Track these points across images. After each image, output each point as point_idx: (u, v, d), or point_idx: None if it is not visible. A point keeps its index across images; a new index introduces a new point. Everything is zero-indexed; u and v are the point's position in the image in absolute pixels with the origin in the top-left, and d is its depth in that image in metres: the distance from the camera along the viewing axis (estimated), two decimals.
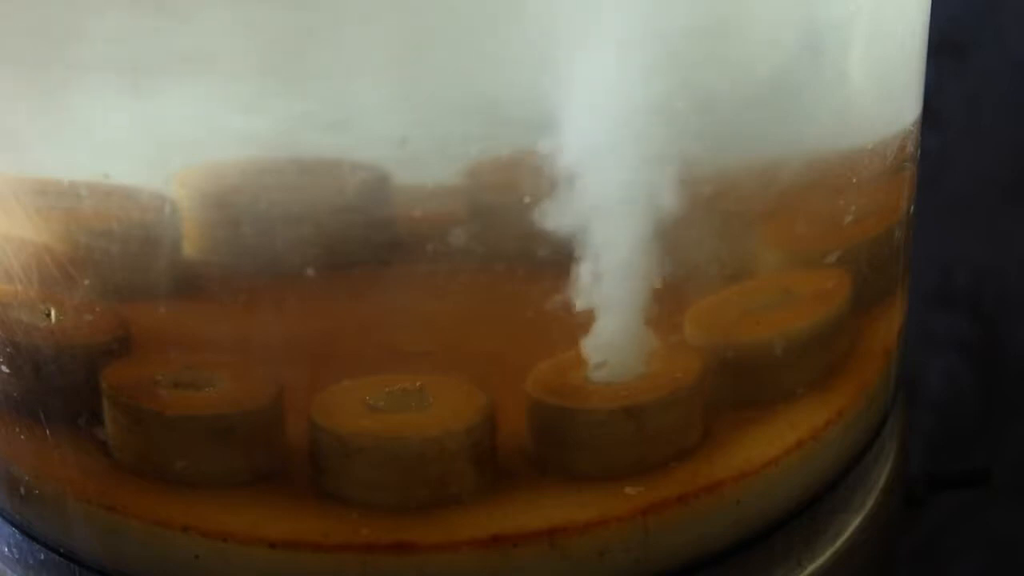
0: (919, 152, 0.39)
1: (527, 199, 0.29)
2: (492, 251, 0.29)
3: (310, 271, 0.29)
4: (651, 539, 0.31)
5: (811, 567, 0.35)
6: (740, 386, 0.33)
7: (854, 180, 0.34)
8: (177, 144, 0.29)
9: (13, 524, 0.34)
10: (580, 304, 0.30)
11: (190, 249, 0.31)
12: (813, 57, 0.32)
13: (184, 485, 0.31)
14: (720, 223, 0.31)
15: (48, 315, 0.31)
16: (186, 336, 0.31)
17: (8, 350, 0.32)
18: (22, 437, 0.33)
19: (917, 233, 0.40)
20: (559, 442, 0.31)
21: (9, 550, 0.34)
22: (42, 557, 0.34)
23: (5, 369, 0.32)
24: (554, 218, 0.29)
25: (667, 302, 0.30)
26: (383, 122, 0.28)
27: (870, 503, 0.37)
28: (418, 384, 0.31)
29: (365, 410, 0.30)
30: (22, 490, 0.34)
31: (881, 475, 0.38)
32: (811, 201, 0.34)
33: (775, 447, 0.33)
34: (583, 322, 0.30)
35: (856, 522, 0.37)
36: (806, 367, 0.34)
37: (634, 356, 0.31)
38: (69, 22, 0.28)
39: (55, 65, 0.29)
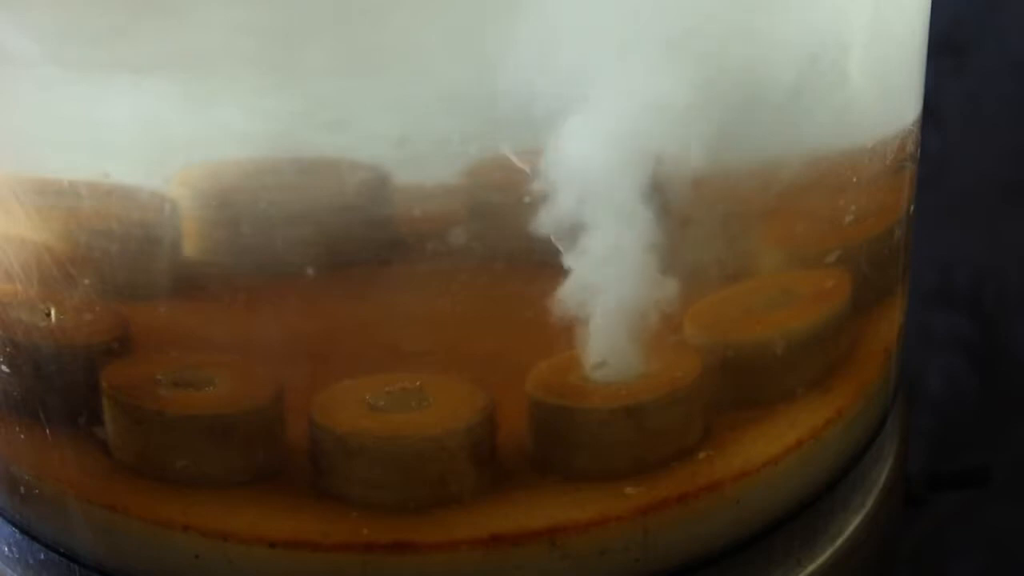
0: (919, 152, 0.39)
1: (527, 199, 0.29)
2: (492, 251, 0.29)
3: (310, 271, 0.29)
4: (651, 539, 0.31)
5: (811, 567, 0.35)
6: (740, 386, 0.33)
7: (854, 180, 0.34)
8: (177, 144, 0.29)
9: (13, 524, 0.34)
10: (580, 304, 0.30)
11: (190, 249, 0.31)
12: (813, 57, 0.32)
13: (184, 485, 0.31)
14: (720, 223, 0.31)
15: (48, 315, 0.31)
16: (186, 336, 0.31)
17: (8, 350, 0.32)
18: (22, 437, 0.33)
19: (917, 233, 0.40)
20: (559, 442, 0.31)
21: (9, 550, 0.34)
22: (42, 557, 0.34)
23: (5, 369, 0.32)
24: (554, 218, 0.29)
25: (667, 302, 0.30)
26: (382, 121, 0.28)
27: (870, 503, 0.37)
28: (418, 384, 0.31)
29: (365, 410, 0.30)
30: (22, 490, 0.34)
31: (881, 475, 0.38)
32: (811, 201, 0.34)
33: (775, 447, 0.33)
34: (583, 322, 0.30)
35: (856, 522, 0.37)
36: (806, 367, 0.34)
37: (634, 356, 0.31)
38: (69, 22, 0.28)
39: (55, 65, 0.29)
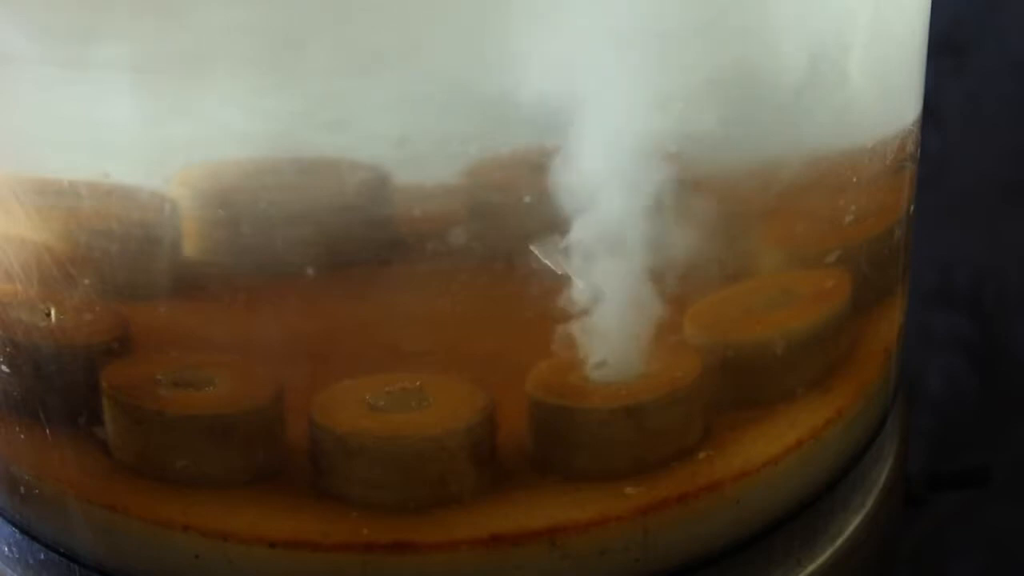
0: (919, 152, 0.39)
1: (527, 199, 0.29)
2: (492, 251, 0.29)
3: (310, 271, 0.29)
4: (651, 539, 0.31)
5: (811, 567, 0.35)
6: (740, 386, 0.33)
7: (854, 180, 0.34)
8: (177, 144, 0.29)
9: (13, 524, 0.34)
10: (580, 304, 0.30)
11: (190, 249, 0.31)
12: (813, 57, 0.32)
13: (184, 485, 0.31)
14: (720, 223, 0.31)
15: (48, 315, 0.31)
16: (186, 336, 0.31)
17: (8, 350, 0.32)
18: (22, 437, 0.33)
19: (917, 233, 0.40)
20: (559, 442, 0.31)
21: (9, 550, 0.34)
22: (42, 557, 0.34)
23: (5, 369, 0.32)
24: (554, 218, 0.29)
25: (667, 302, 0.30)
26: (382, 121, 0.28)
27: (870, 503, 0.37)
28: (418, 384, 0.31)
29: (365, 410, 0.30)
30: (22, 490, 0.34)
31: (881, 475, 0.38)
32: (811, 201, 0.34)
33: (775, 447, 0.33)
34: (583, 322, 0.30)
35: (856, 522, 0.37)
36: (806, 367, 0.34)
37: (634, 356, 0.31)
38: (69, 22, 0.28)
39: (55, 65, 0.29)
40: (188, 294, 0.31)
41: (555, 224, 0.29)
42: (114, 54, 0.28)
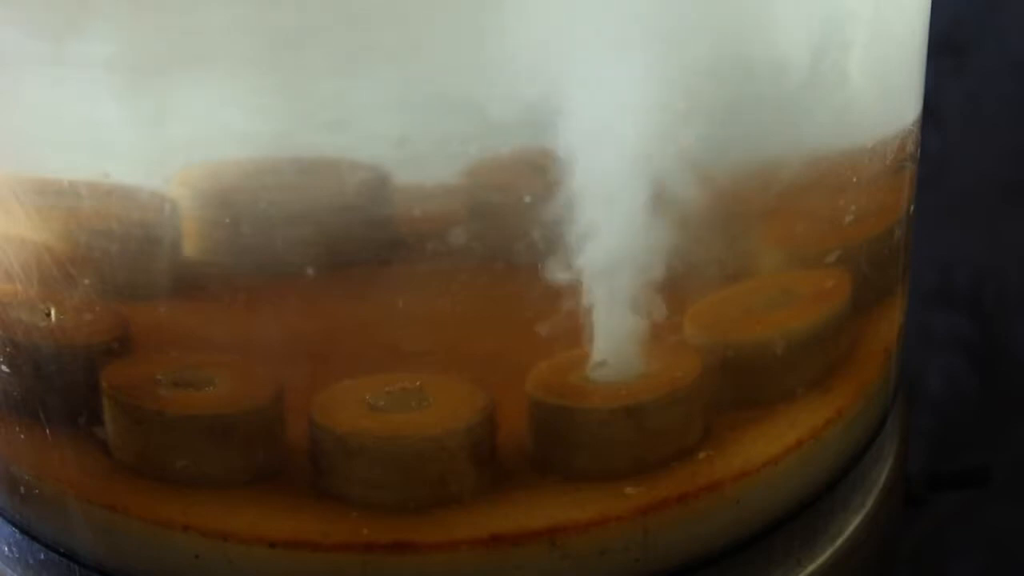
0: (919, 152, 0.39)
1: (527, 199, 0.29)
2: (492, 251, 0.29)
3: (310, 271, 0.29)
4: (651, 539, 0.31)
5: (811, 567, 0.35)
6: (740, 386, 0.33)
7: (854, 180, 0.34)
8: (177, 144, 0.29)
9: (13, 524, 0.34)
10: (580, 304, 0.30)
11: (190, 249, 0.31)
12: (814, 57, 0.32)
13: (184, 485, 0.31)
14: (720, 223, 0.31)
15: (48, 315, 0.31)
16: (186, 336, 0.31)
17: (8, 350, 0.32)
18: (22, 437, 0.33)
19: (917, 233, 0.40)
20: (559, 442, 0.31)
21: (9, 550, 0.34)
22: (42, 557, 0.34)
23: (5, 369, 0.32)
24: (554, 218, 0.29)
25: (667, 302, 0.30)
26: (382, 121, 0.28)
27: (870, 503, 0.37)
28: (418, 384, 0.31)
29: (365, 410, 0.30)
30: (22, 490, 0.34)
31: (881, 475, 0.38)
32: (811, 201, 0.34)
33: (775, 447, 0.33)
34: (583, 322, 0.30)
35: (856, 522, 0.37)
36: (806, 367, 0.34)
37: (634, 356, 0.31)
38: (69, 21, 0.28)
39: (55, 64, 0.29)
40: (188, 294, 0.31)
41: (555, 224, 0.29)
42: (114, 53, 0.28)
